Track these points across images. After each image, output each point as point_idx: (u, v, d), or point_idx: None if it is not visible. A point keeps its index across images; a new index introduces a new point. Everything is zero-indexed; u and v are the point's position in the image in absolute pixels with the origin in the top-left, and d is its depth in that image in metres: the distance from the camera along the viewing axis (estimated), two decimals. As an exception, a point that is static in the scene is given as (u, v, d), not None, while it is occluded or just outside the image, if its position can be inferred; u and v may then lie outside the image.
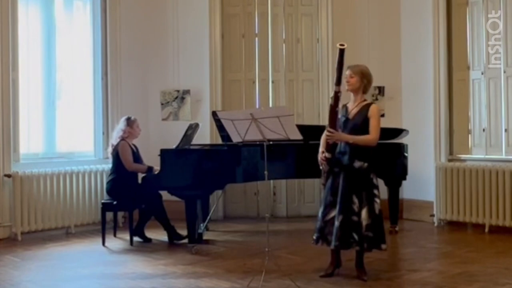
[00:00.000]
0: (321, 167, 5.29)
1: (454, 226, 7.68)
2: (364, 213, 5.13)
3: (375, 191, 5.20)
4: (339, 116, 5.27)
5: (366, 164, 5.18)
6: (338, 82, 5.10)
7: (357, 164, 5.18)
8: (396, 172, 7.45)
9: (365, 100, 5.30)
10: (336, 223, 5.13)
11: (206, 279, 5.33)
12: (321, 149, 5.29)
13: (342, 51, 5.10)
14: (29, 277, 5.54)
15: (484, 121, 7.59)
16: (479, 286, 5.03)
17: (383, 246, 5.22)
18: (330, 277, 5.27)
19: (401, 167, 7.48)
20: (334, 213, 5.19)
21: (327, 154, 5.21)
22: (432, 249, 6.69)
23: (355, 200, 5.14)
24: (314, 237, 5.31)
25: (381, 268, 5.63)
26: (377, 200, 5.19)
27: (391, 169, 7.41)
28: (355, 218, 5.12)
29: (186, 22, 8.57)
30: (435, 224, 7.80)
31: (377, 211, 5.17)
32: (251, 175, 6.68)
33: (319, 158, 5.28)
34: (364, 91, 5.31)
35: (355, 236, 5.12)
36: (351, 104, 5.30)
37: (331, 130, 5.14)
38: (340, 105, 5.21)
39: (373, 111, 5.20)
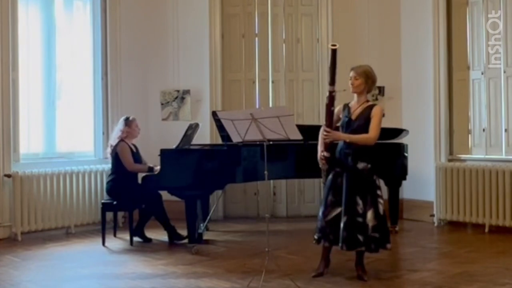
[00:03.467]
0: (320, 166, 5.30)
1: (454, 226, 7.68)
2: (369, 214, 5.14)
3: (378, 192, 5.22)
4: (341, 116, 5.30)
5: (369, 166, 5.19)
6: (332, 82, 5.13)
7: (361, 165, 5.18)
8: (396, 172, 7.44)
9: (368, 101, 5.31)
10: (341, 225, 5.13)
11: (206, 279, 5.33)
12: (320, 148, 5.30)
13: (334, 51, 5.13)
14: (29, 277, 5.54)
15: (484, 121, 7.59)
16: (479, 286, 5.03)
17: (388, 245, 5.25)
18: (322, 276, 5.28)
19: (401, 167, 7.47)
20: (335, 212, 5.20)
21: (326, 154, 5.23)
22: (432, 249, 6.69)
23: (359, 201, 5.14)
24: (316, 237, 5.30)
25: (381, 268, 5.63)
26: (381, 201, 5.21)
27: (391, 169, 7.41)
28: (359, 219, 5.13)
29: (186, 22, 8.57)
30: (435, 224, 7.80)
31: (381, 212, 5.19)
32: (251, 175, 6.68)
33: (318, 157, 5.29)
34: (369, 91, 5.33)
35: (360, 237, 5.13)
36: (354, 104, 5.30)
37: (328, 129, 5.16)
38: (336, 104, 5.24)
39: (376, 111, 5.20)
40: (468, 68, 7.76)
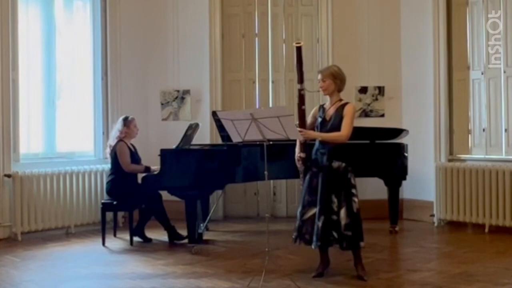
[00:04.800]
0: (298, 168, 5.34)
1: (454, 226, 7.68)
2: (342, 212, 5.17)
3: (353, 190, 5.24)
4: (317, 116, 5.35)
5: (344, 164, 5.22)
6: (301, 80, 5.22)
7: (335, 164, 5.22)
8: (396, 172, 7.44)
9: (341, 100, 5.34)
10: (319, 223, 5.17)
11: (206, 279, 5.33)
12: (297, 149, 5.35)
13: (299, 49, 5.21)
14: (29, 277, 5.53)
15: (484, 121, 7.59)
16: (479, 286, 5.03)
17: (362, 243, 5.25)
18: (322, 276, 5.29)
19: (401, 167, 7.47)
20: (312, 212, 5.24)
21: (302, 154, 5.29)
22: (432, 249, 6.69)
23: (334, 199, 5.18)
24: (293, 236, 5.36)
25: (381, 268, 5.63)
26: (355, 199, 5.22)
27: (391, 169, 7.41)
28: (334, 217, 5.17)
29: (186, 22, 8.57)
30: (435, 224, 7.80)
31: (355, 210, 5.20)
32: (251, 175, 6.68)
33: (295, 159, 5.35)
34: (339, 91, 5.35)
35: (335, 234, 5.17)
36: (327, 104, 5.36)
37: (300, 129, 5.21)
38: (306, 103, 5.30)
39: (348, 110, 5.24)
40: (468, 68, 7.76)
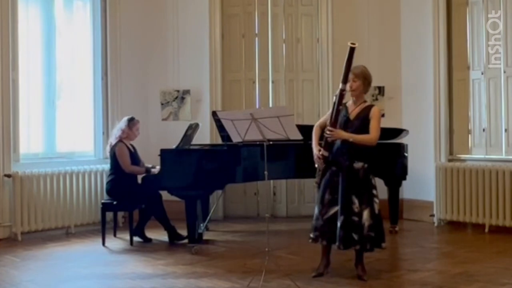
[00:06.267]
0: (316, 165, 5.31)
1: (454, 226, 7.68)
2: (366, 214, 5.16)
3: (374, 191, 5.24)
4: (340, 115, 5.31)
5: (366, 165, 5.20)
6: (345, 80, 5.15)
7: (357, 165, 5.20)
8: (396, 172, 7.45)
9: (365, 101, 5.33)
10: (338, 224, 5.15)
11: (206, 279, 5.33)
12: (315, 147, 5.31)
13: (352, 50, 5.12)
14: (29, 277, 5.53)
15: (484, 121, 7.59)
16: (479, 286, 5.04)
17: (383, 244, 5.28)
18: (322, 276, 5.29)
19: (401, 167, 7.47)
20: (333, 211, 5.21)
21: (324, 152, 5.24)
22: (432, 249, 6.69)
23: (355, 200, 5.16)
24: (312, 236, 5.30)
25: (381, 268, 5.63)
26: (376, 200, 5.23)
27: (391, 169, 7.42)
28: (355, 218, 5.15)
29: (186, 22, 8.58)
30: (435, 224, 7.80)
31: (376, 211, 5.21)
32: (251, 175, 6.68)
33: (314, 156, 5.30)
34: (365, 92, 5.35)
35: (355, 236, 5.14)
36: (351, 104, 5.33)
37: (331, 128, 5.17)
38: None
39: (374, 112, 5.23)
40: (468, 68, 7.77)
